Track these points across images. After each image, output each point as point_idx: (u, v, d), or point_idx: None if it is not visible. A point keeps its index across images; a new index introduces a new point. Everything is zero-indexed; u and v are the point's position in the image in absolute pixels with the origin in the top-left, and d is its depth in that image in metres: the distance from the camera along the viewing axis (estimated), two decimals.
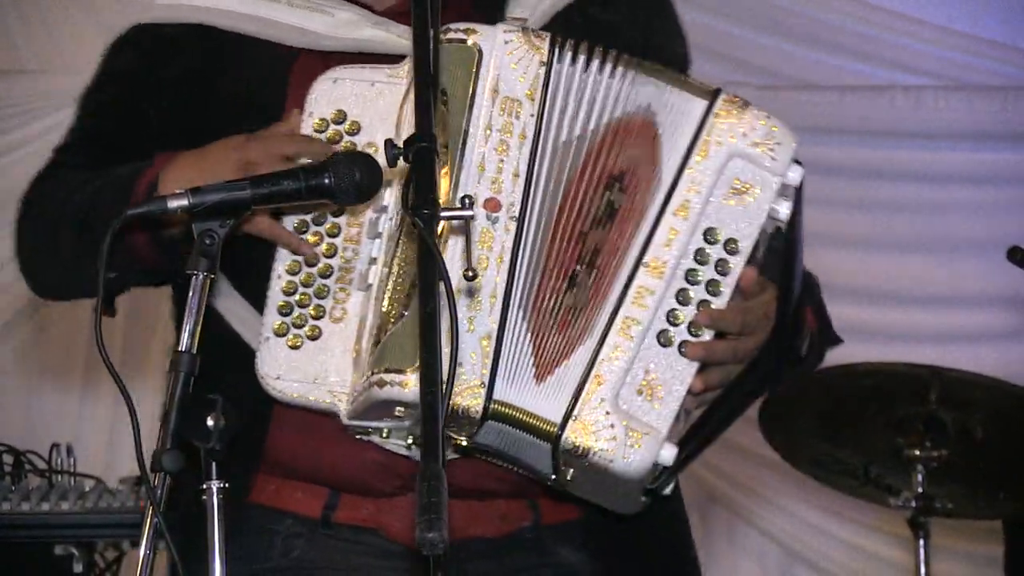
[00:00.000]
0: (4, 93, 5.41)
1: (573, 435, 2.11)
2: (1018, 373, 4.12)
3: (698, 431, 2.22)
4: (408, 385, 2.01)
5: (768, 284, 2.20)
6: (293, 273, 2.32)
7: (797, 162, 2.18)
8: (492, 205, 2.19)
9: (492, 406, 2.11)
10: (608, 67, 2.23)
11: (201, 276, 2.01)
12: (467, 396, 2.13)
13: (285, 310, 2.29)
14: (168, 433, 1.90)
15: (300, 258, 2.28)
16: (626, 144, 2.22)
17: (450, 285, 1.77)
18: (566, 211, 2.21)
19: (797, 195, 2.20)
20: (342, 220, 2.28)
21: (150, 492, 1.88)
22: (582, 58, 2.21)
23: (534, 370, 2.18)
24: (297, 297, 2.33)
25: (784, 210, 2.19)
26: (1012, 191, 5.43)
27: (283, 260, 2.27)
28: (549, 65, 2.21)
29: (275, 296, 2.30)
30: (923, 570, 4.05)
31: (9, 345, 5.26)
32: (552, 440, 2.12)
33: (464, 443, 2.20)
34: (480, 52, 2.21)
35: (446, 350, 1.72)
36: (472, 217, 1.88)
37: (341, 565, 2.39)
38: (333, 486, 2.38)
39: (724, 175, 2.17)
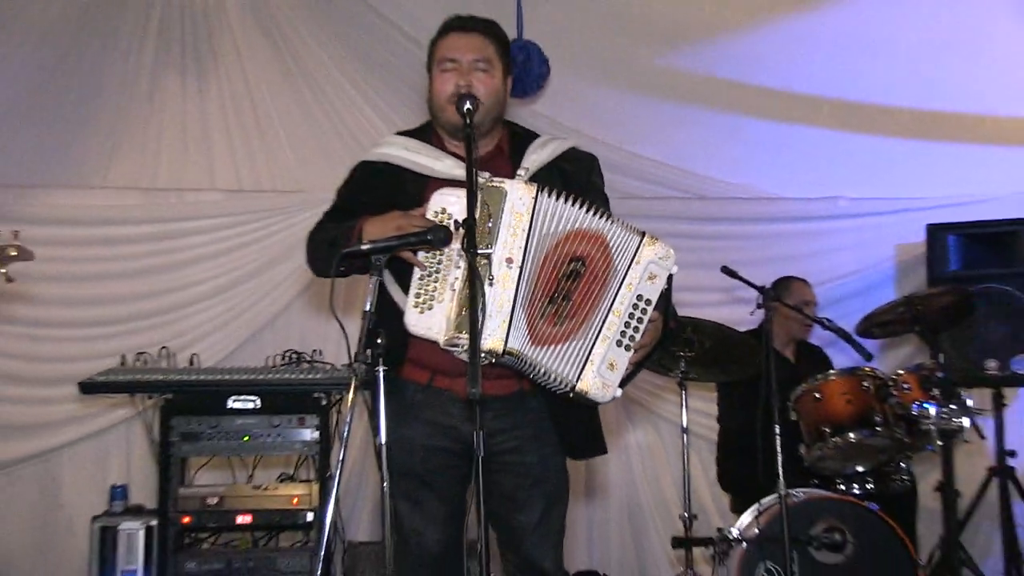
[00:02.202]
0: (245, 207, 6.37)
1: (581, 385, 3.07)
2: (727, 321, 5.30)
3: (629, 377, 3.15)
4: (464, 339, 3.00)
5: (658, 316, 3.14)
6: (421, 278, 3.12)
7: (675, 265, 3.12)
8: (508, 260, 3.03)
9: (506, 348, 3.04)
10: (570, 201, 3.11)
11: (375, 278, 3.03)
12: (496, 343, 3.04)
13: (417, 294, 3.12)
14: (361, 344, 2.96)
15: (423, 271, 3.12)
16: (581, 242, 3.06)
17: (482, 286, 2.93)
18: (546, 266, 3.06)
19: (670, 279, 3.13)
20: (440, 254, 3.11)
21: (355, 369, 2.92)
22: (554, 195, 3.09)
23: (529, 338, 3.05)
24: (422, 288, 3.12)
25: (667, 284, 3.14)
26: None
27: (417, 271, 3.12)
28: (536, 198, 3.06)
29: (413, 288, 3.13)
30: (685, 406, 5.26)
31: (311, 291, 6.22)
32: (572, 389, 3.09)
33: (494, 361, 3.09)
34: (505, 191, 3.07)
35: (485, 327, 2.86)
36: (491, 254, 3.00)
37: (435, 404, 3.30)
38: (432, 369, 3.29)
39: (647, 271, 3.07)
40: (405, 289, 3.18)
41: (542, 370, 3.09)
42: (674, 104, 6.57)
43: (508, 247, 3.04)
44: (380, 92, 6.42)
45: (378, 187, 3.35)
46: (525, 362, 3.07)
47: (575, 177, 3.35)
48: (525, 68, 6.01)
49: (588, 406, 3.24)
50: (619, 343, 3.06)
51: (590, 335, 3.05)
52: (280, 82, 6.41)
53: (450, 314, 3.02)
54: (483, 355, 3.01)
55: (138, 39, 6.24)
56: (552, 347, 3.06)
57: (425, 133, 3.45)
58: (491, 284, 3.00)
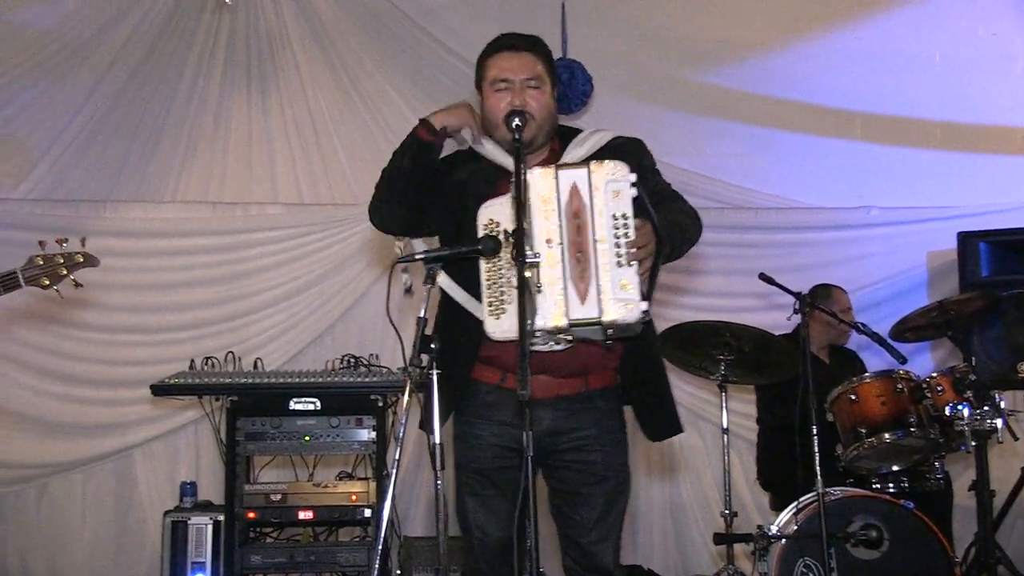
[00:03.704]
0: (306, 219, 6.38)
1: (607, 317, 3.00)
2: (764, 325, 5.26)
3: (648, 290, 3.07)
4: (537, 328, 3.00)
5: (643, 222, 3.05)
6: (489, 288, 3.14)
7: (632, 172, 3.03)
8: (548, 241, 3.04)
9: (569, 321, 3.00)
10: (560, 171, 3.07)
11: (428, 287, 3.08)
12: (558, 319, 3.01)
13: (490, 303, 3.13)
14: (416, 348, 3.00)
15: (488, 281, 3.13)
16: (573, 199, 3.05)
17: (527, 288, 2.90)
18: (569, 234, 3.04)
19: (636, 185, 3.02)
20: (499, 260, 3.11)
21: (410, 373, 3.00)
22: (568, 168, 3.08)
23: (579, 299, 3.00)
24: (492, 296, 3.13)
25: (634, 192, 3.03)
26: None
27: (484, 283, 3.14)
28: (556, 177, 3.06)
29: (484, 298, 3.14)
30: (725, 408, 5.22)
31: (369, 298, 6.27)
32: (599, 323, 3.01)
33: (569, 339, 3.11)
34: (528, 183, 3.04)
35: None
36: (539, 260, 2.96)
37: (504, 405, 3.25)
38: (504, 369, 3.26)
39: (608, 191, 3.02)
40: (464, 286, 3.24)
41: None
42: (711, 118, 6.55)
43: (545, 230, 3.03)
44: (431, 108, 6.22)
45: (464, 171, 3.42)
46: (589, 324, 3.03)
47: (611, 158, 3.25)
48: (570, 85, 5.98)
49: (631, 338, 3.19)
50: (618, 264, 3.01)
51: (591, 272, 3.00)
52: (338, 101, 6.44)
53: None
54: (555, 336, 3.06)
55: (206, 62, 6.31)
56: (586, 300, 3.03)
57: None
58: (539, 289, 2.99)
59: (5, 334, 6.13)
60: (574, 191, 3.03)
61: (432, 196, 3.32)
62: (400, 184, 3.29)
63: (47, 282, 3.50)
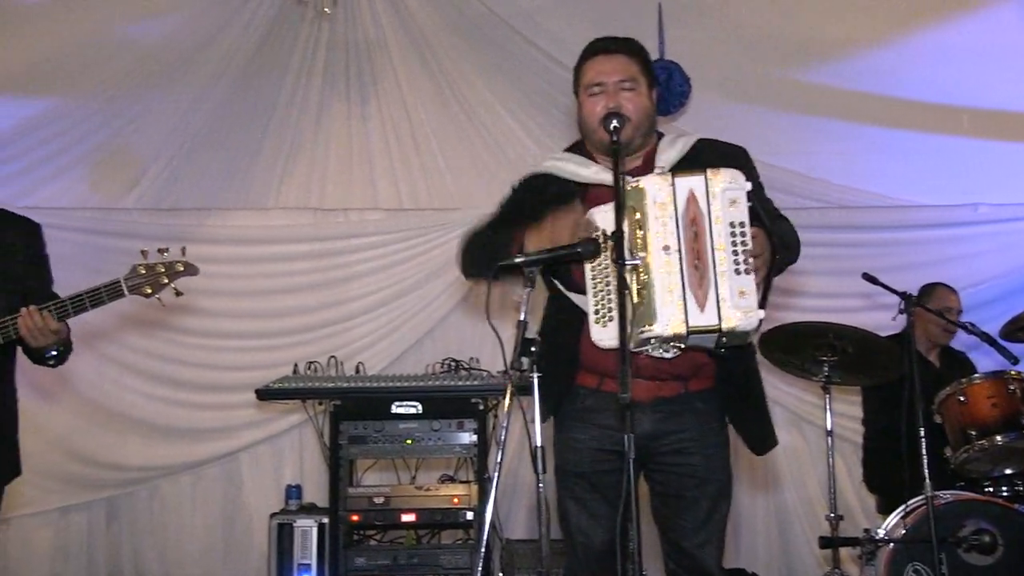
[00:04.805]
0: (406, 224, 6.45)
1: (726, 324, 2.96)
2: (868, 326, 5.18)
3: (764, 298, 3.04)
4: (647, 331, 2.95)
5: (759, 230, 3.03)
6: (595, 295, 3.17)
7: (747, 182, 3.01)
8: (665, 248, 3.00)
9: (688, 328, 2.96)
10: (677, 179, 3.04)
11: (527, 290, 3.05)
12: (678, 326, 2.96)
13: (596, 311, 3.16)
14: (516, 352, 3.00)
15: (595, 288, 3.14)
16: (690, 206, 3.02)
17: (630, 295, 2.92)
18: (686, 241, 3.00)
19: (750, 195, 3.02)
20: (604, 267, 3.11)
21: (511, 376, 3.02)
22: (685, 175, 3.04)
23: (698, 307, 2.97)
24: (599, 304, 3.16)
25: (749, 202, 3.02)
26: None
27: (590, 290, 3.16)
28: (673, 184, 3.02)
29: (591, 307, 3.16)
30: (829, 410, 5.10)
31: (469, 301, 6.27)
32: (719, 330, 2.98)
33: (683, 346, 3.05)
34: (644, 189, 3.04)
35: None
36: (641, 260, 2.96)
37: (603, 409, 3.25)
38: (601, 374, 3.26)
39: (725, 199, 3.00)
40: (568, 287, 3.27)
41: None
42: (812, 117, 6.43)
43: (662, 237, 3.00)
44: (530, 113, 6.41)
45: (530, 199, 3.37)
46: (708, 332, 3.00)
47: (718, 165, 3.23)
48: (667, 87, 5.93)
49: (741, 346, 3.16)
50: (737, 271, 2.97)
51: (710, 279, 2.97)
52: (437, 106, 6.45)
53: (629, 316, 2.95)
54: (668, 344, 3.03)
55: (306, 71, 6.33)
56: (705, 307, 3.00)
57: (578, 150, 3.45)
58: (655, 295, 2.97)
59: (117, 340, 6.25)
60: (691, 198, 3.00)
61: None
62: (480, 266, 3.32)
63: (149, 291, 3.55)
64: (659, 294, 2.95)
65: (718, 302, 2.95)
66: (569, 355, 3.25)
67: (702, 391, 3.28)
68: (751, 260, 2.97)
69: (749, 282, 2.97)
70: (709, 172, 3.01)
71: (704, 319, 2.96)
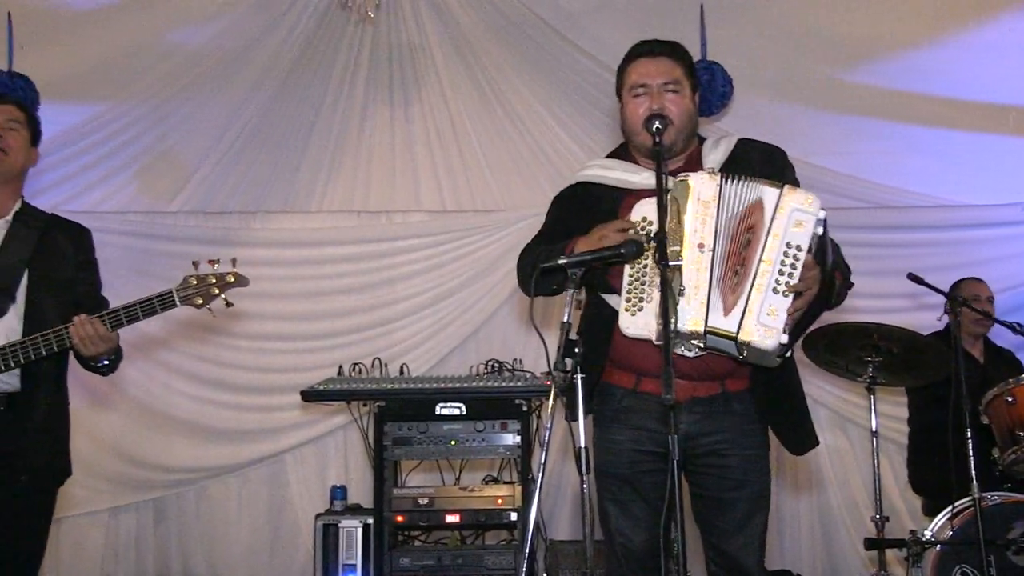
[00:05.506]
0: (449, 226, 6.48)
1: (743, 336, 2.96)
2: (912, 326, 5.08)
3: (794, 330, 3.02)
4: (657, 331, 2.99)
5: (815, 263, 2.98)
6: (629, 285, 3.15)
7: (823, 210, 2.99)
8: (700, 245, 3.02)
9: (707, 327, 2.99)
10: (742, 181, 3.07)
11: (571, 291, 3.04)
12: (696, 324, 2.99)
13: (627, 299, 3.13)
14: (560, 353, 2.95)
15: (631, 279, 3.14)
16: (752, 213, 3.03)
17: (674, 298, 2.91)
18: (730, 244, 3.01)
19: (824, 224, 2.99)
20: (645, 260, 3.09)
21: (554, 377, 2.96)
22: (737, 179, 3.05)
23: (723, 310, 2.98)
24: (631, 293, 3.13)
25: (819, 230, 2.99)
26: None
27: (626, 281, 3.15)
28: (720, 185, 3.04)
29: (623, 295, 3.14)
30: (873, 410, 5.07)
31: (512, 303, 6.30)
32: (735, 339, 2.99)
33: (702, 346, 3.09)
34: (691, 184, 3.07)
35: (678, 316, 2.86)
36: (680, 264, 2.96)
37: (640, 409, 3.25)
38: (638, 372, 3.25)
39: (791, 219, 2.97)
40: (603, 288, 3.25)
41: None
42: (855, 117, 6.38)
43: (699, 234, 3.01)
44: (572, 116, 6.42)
45: (577, 207, 3.37)
46: (725, 336, 3.00)
47: (762, 166, 3.27)
48: (710, 87, 5.89)
49: (760, 362, 3.11)
50: (775, 290, 2.95)
51: (746, 286, 2.96)
52: (479, 109, 6.46)
53: (659, 311, 2.95)
54: (688, 342, 3.04)
55: (349, 74, 6.35)
56: (731, 312, 3.01)
57: (621, 154, 3.45)
58: (682, 291, 2.97)
59: (166, 344, 6.30)
60: (757, 205, 3.01)
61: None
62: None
63: (200, 302, 3.58)
64: (686, 290, 2.96)
65: (744, 312, 2.95)
66: (598, 352, 3.22)
67: (740, 392, 3.26)
68: (793, 284, 2.95)
69: (782, 304, 2.95)
70: (787, 187, 3.01)
71: (724, 323, 2.97)
